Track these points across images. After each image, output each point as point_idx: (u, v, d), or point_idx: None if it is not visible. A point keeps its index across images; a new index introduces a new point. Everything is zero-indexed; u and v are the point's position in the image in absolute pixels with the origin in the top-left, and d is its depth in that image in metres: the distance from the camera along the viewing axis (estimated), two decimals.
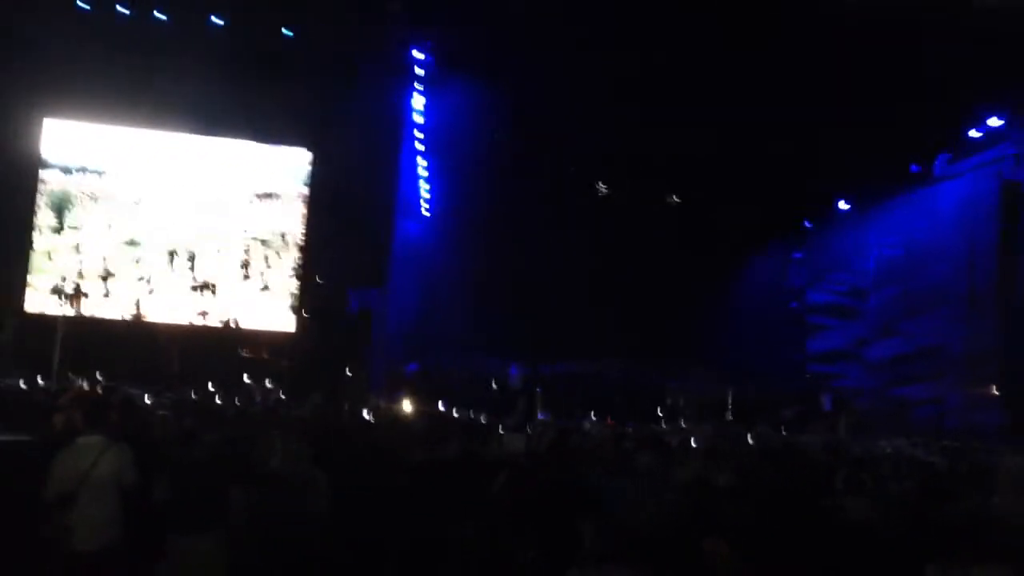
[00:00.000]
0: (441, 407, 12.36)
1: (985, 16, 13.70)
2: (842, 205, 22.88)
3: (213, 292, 17.74)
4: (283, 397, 11.47)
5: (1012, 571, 3.69)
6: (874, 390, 21.06)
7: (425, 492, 5.58)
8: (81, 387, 9.23)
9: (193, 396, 10.15)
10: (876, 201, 21.77)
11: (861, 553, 4.29)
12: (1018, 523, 4.52)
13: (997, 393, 17.55)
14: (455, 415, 10.81)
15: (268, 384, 11.68)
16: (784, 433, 13.59)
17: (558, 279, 21.89)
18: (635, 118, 17.91)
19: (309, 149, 18.58)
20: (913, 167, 19.96)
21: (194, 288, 17.75)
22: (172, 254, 17.89)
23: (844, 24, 14.49)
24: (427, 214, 22.69)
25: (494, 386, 18.24)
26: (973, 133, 18.37)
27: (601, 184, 23.47)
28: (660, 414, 16.60)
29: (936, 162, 19.55)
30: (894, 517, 4.97)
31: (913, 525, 4.65)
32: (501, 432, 8.38)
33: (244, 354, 16.19)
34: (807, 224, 24.89)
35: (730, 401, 18.52)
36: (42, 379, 11.61)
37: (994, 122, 17.84)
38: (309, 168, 18.60)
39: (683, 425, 13.30)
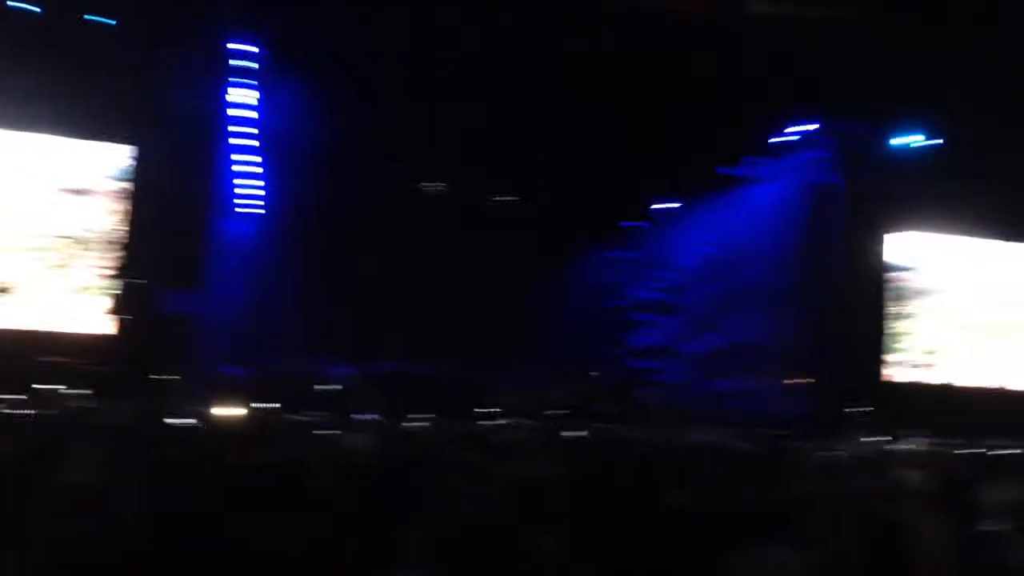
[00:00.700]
0: (268, 409, 11.99)
1: (797, 25, 14.63)
2: (664, 205, 23.79)
3: (14, 293, 16.51)
4: (91, 403, 10.78)
5: (809, 554, 3.90)
6: (692, 384, 21.99)
7: (247, 498, 5.36)
8: None
9: None
10: (697, 201, 22.73)
11: (680, 541, 4.43)
12: (820, 508, 4.81)
13: (805, 384, 18.70)
14: (283, 417, 10.50)
15: (75, 390, 10.92)
16: (607, 427, 13.94)
17: (385, 278, 21.75)
18: (458, 117, 18.02)
19: (126, 144, 17.58)
20: (731, 169, 20.99)
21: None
22: None
23: (665, 24, 15.09)
24: (257, 212, 21.98)
25: (323, 387, 17.85)
26: (788, 137, 19.51)
27: (426, 183, 23.48)
28: (486, 411, 16.69)
29: (751, 164, 20.63)
30: (709, 505, 5.16)
31: (725, 512, 4.84)
32: (332, 433, 8.17)
33: (50, 359, 15.08)
34: (631, 223, 25.72)
35: (555, 397, 18.87)
36: None
37: (806, 127, 19.02)
38: (126, 164, 17.60)
39: (509, 422, 13.41)
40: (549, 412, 17.36)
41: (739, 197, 21.42)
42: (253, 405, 11.94)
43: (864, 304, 18.77)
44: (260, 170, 20.48)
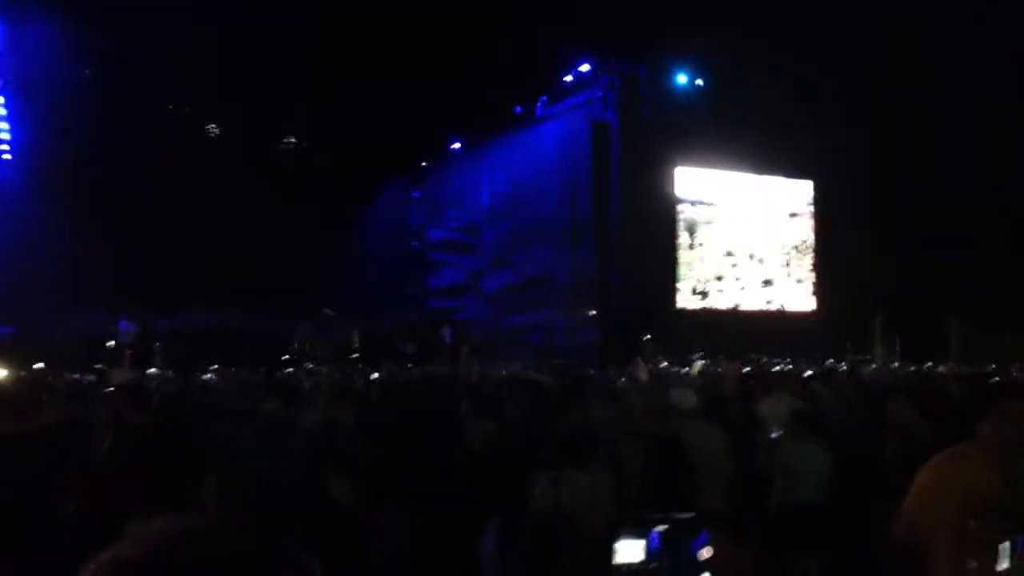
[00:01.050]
0: (40, 370, 11.12)
1: None
2: (456, 145, 23.84)
3: None
4: None
5: (602, 475, 4.06)
6: (490, 320, 22.42)
7: (20, 465, 4.96)
8: None
9: None
10: (487, 140, 22.94)
11: (484, 474, 4.49)
12: (610, 431, 5.02)
13: (595, 315, 19.47)
14: (56, 378, 9.75)
15: None
16: (409, 367, 13.98)
17: (170, 226, 20.55)
18: (244, 55, 17.18)
19: None
20: (517, 108, 21.29)
21: None
22: None
23: None
24: (7, 158, 20.07)
25: (108, 344, 16.76)
26: (567, 77, 19.99)
27: (212, 126, 22.33)
28: (288, 359, 16.31)
29: (537, 104, 21.00)
30: (511, 435, 5.26)
31: (528, 441, 4.95)
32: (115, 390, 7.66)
33: None
34: (424, 163, 25.65)
35: (357, 341, 18.69)
36: None
37: (583, 68, 19.54)
38: None
39: (311, 368, 13.16)
40: (352, 356, 17.20)
41: (527, 135, 21.83)
42: (25, 366, 11.06)
43: (650, 236, 19.65)
44: (12, 113, 18.81)
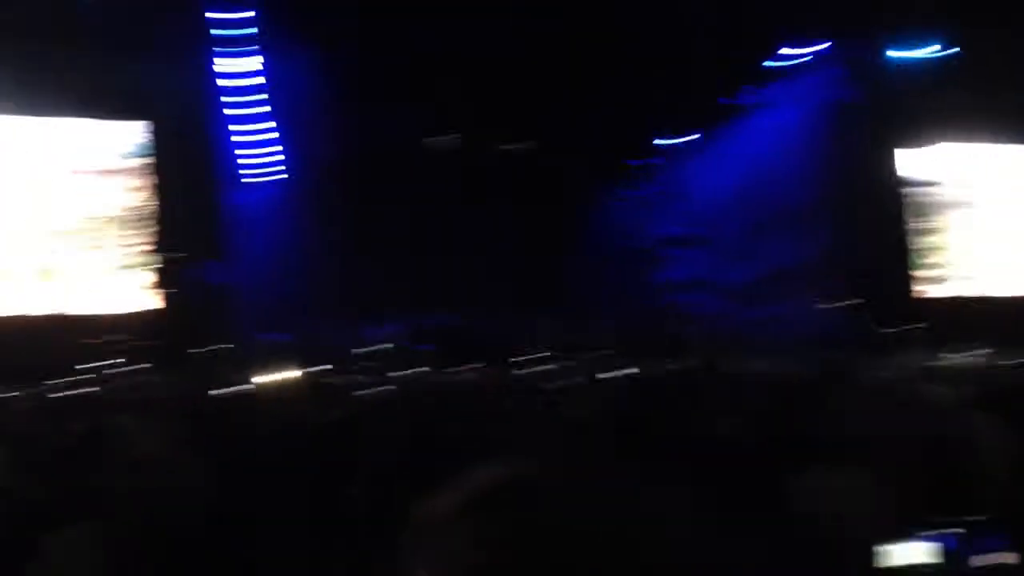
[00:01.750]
0: (314, 372, 12.15)
1: None
2: (681, 138, 23.57)
3: (60, 277, 16.75)
4: (141, 379, 10.98)
5: (869, 474, 3.91)
6: (729, 314, 21.97)
7: (313, 456, 5.49)
8: None
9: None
10: (713, 130, 22.50)
11: (734, 471, 4.47)
12: (868, 428, 4.83)
13: (843, 305, 18.63)
14: (331, 379, 10.63)
15: (127, 367, 11.10)
16: (651, 364, 13.97)
17: (417, 233, 21.88)
18: (481, 65, 17.90)
19: (142, 119, 17.66)
20: (743, 95, 20.73)
21: (38, 274, 16.72)
22: (11, 241, 16.80)
23: None
24: (274, 179, 22.09)
25: (367, 347, 18.01)
26: (800, 57, 19.22)
27: (439, 137, 23.44)
28: (528, 358, 16.79)
29: (764, 88, 20.35)
30: (759, 432, 5.19)
31: (777, 438, 4.87)
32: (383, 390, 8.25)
33: (96, 340, 15.31)
34: (649, 160, 25.52)
35: (596, 340, 18.89)
36: None
37: (818, 46, 18.70)
38: (145, 140, 17.69)
39: (552, 366, 13.48)
40: (590, 354, 17.41)
41: (754, 122, 21.20)
42: (299, 370, 12.09)
43: (891, 221, 18.58)
44: (275, 135, 20.59)
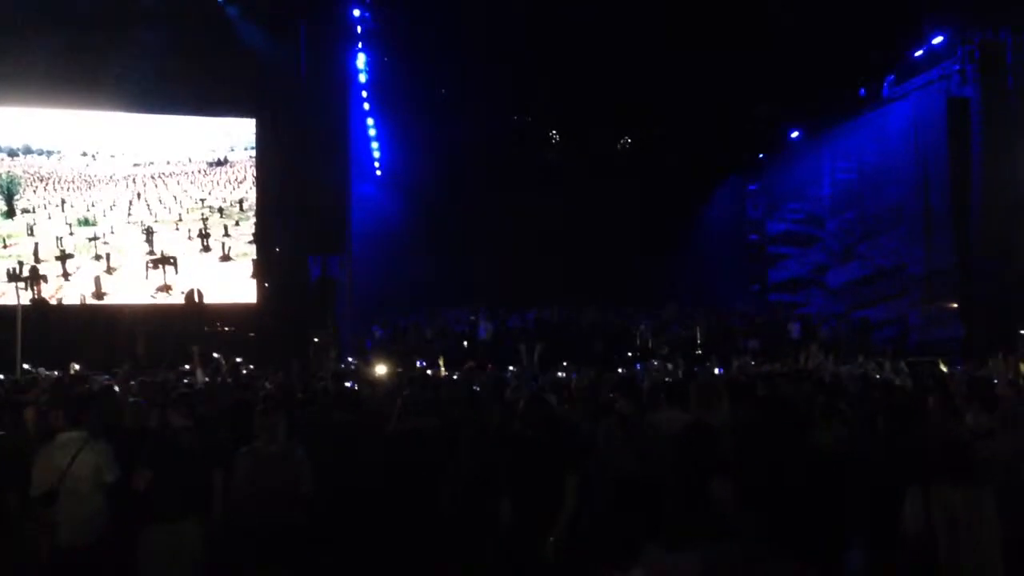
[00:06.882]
0: (421, 366, 12.33)
1: None
2: (794, 134, 23.06)
3: (174, 266, 17.42)
4: (249, 371, 11.29)
5: (990, 492, 3.77)
6: (837, 314, 21.42)
7: (406, 462, 5.58)
8: (54, 380, 8.94)
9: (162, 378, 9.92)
10: (827, 127, 21.98)
11: (844, 482, 4.35)
12: (989, 444, 4.63)
13: (956, 308, 17.90)
14: (436, 374, 10.75)
15: (237, 359, 11.40)
16: (752, 364, 13.71)
17: (518, 229, 21.99)
18: (584, 65, 17.84)
19: (255, 116, 18.18)
20: (861, 90, 20.14)
21: (154, 263, 17.42)
22: (129, 230, 17.60)
23: None
24: (379, 174, 22.54)
25: (473, 341, 18.17)
26: (917, 52, 18.52)
27: (555, 132, 23.43)
28: (632, 355, 16.71)
29: (883, 84, 19.71)
30: (868, 442, 5.04)
31: (887, 449, 4.72)
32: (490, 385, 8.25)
33: (208, 329, 15.78)
34: (761, 156, 25.07)
35: (700, 337, 18.68)
36: (1, 372, 11.28)
37: (937, 40, 17.97)
38: (258, 135, 18.22)
39: (656, 364, 13.37)
40: (695, 352, 17.22)
41: (872, 118, 20.60)
42: (406, 363, 12.29)
43: (1017, 221, 17.67)
44: (379, 131, 20.93)
